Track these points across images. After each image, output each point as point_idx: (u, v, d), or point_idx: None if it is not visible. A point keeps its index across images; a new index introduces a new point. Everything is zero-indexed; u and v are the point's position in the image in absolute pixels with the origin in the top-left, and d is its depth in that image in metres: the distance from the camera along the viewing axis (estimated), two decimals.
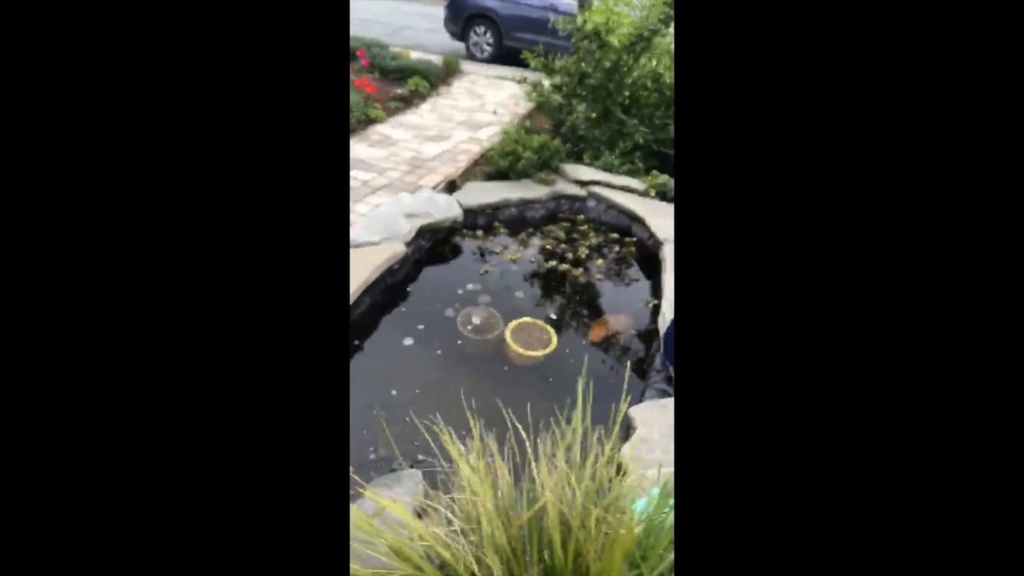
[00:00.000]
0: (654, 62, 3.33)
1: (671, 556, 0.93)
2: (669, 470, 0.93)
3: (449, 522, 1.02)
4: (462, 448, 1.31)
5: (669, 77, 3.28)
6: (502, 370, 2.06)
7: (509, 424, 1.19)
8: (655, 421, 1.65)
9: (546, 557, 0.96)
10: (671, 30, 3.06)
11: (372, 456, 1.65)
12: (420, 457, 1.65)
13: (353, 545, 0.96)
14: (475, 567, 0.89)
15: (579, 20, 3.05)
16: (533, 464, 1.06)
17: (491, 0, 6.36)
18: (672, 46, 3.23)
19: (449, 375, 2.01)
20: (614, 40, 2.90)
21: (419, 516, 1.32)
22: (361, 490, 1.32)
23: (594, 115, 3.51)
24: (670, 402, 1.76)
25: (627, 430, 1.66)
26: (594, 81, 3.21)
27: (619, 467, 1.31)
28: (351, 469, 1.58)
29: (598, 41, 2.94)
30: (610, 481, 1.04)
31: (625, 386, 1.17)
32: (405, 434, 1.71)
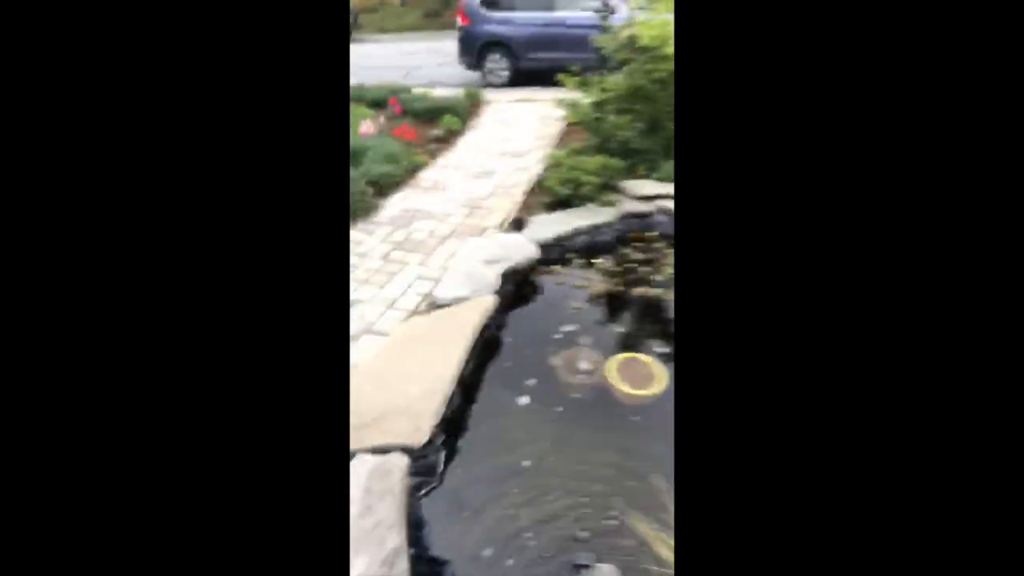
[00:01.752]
0: None
1: None
2: None
3: None
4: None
5: None
6: (631, 420, 1.92)
7: None
8: None
9: None
10: None
11: (532, 543, 1.52)
12: (580, 532, 1.52)
13: None
14: None
15: (623, 36, 2.95)
16: None
17: (503, 27, 6.36)
18: None
19: (574, 430, 1.88)
20: (670, 50, 2.79)
21: None
22: None
23: (639, 126, 3.38)
24: None
25: None
26: (645, 93, 3.09)
27: None
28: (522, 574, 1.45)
29: (650, 54, 2.83)
30: None
31: None
32: (563, 514, 1.58)
